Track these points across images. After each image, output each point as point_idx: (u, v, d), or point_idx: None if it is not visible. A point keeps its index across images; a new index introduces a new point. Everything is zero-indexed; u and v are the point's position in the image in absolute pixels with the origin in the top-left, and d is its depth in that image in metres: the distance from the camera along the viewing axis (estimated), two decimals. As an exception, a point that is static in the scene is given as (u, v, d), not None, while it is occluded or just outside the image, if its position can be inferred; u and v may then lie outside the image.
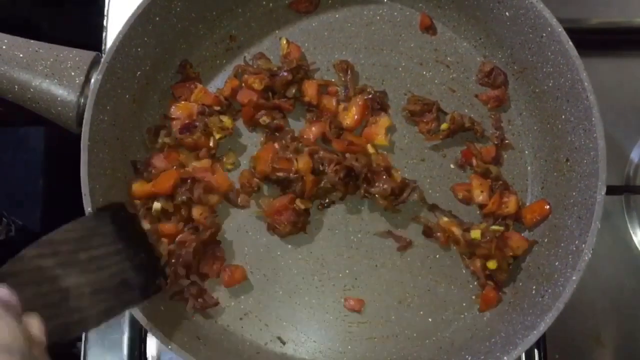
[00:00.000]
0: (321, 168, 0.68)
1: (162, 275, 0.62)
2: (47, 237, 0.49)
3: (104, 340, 0.73)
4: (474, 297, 0.68)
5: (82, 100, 0.66)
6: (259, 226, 0.70)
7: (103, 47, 0.82)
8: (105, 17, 0.83)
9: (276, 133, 0.72)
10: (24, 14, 1.33)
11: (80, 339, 0.74)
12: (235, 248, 0.70)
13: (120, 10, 0.82)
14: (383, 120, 0.72)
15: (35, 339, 0.41)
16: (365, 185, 0.68)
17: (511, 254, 0.67)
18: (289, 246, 0.70)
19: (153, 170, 0.69)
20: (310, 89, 0.72)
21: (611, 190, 0.75)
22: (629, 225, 0.77)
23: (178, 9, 0.70)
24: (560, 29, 0.63)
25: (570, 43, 0.63)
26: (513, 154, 0.72)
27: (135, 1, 0.66)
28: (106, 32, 0.82)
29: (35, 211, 1.28)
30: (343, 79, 0.74)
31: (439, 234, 0.69)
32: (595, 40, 0.82)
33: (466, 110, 0.73)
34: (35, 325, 0.42)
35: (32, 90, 0.66)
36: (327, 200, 0.71)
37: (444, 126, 0.71)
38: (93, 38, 0.83)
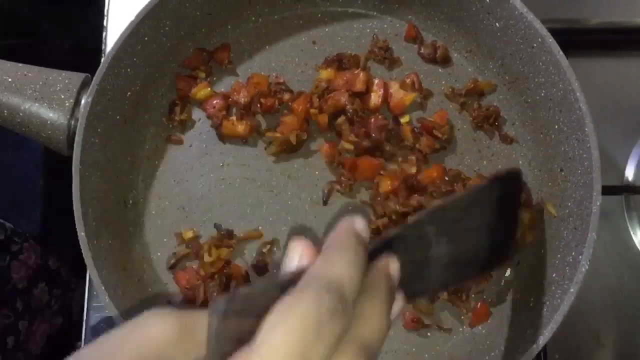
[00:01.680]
0: None
1: (509, 252, 0.57)
2: (437, 203, 0.46)
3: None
4: (464, 311, 0.68)
5: (73, 123, 0.65)
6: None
7: (103, 48, 0.82)
8: (105, 18, 0.83)
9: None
10: (24, 14, 1.33)
11: (80, 339, 0.73)
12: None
13: (120, 10, 0.82)
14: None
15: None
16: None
17: None
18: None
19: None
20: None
21: (611, 191, 0.76)
22: (628, 225, 0.77)
23: (167, 28, 0.70)
24: (551, 40, 0.63)
25: (562, 53, 0.63)
26: (507, 164, 0.72)
27: (135, 2, 0.66)
28: (106, 32, 0.82)
29: (35, 212, 1.29)
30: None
31: None
32: (595, 40, 0.82)
33: (459, 122, 0.73)
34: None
35: (21, 114, 0.65)
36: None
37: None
38: (93, 38, 0.83)
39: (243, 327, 0.33)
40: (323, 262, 0.35)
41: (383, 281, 0.38)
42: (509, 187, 0.55)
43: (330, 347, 0.32)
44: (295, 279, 0.35)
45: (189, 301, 0.68)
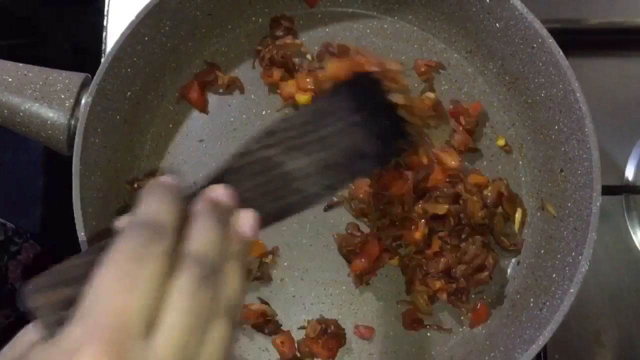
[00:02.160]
0: None
1: (404, 136, 0.55)
2: (268, 128, 0.47)
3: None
4: (464, 311, 0.68)
5: (73, 123, 0.65)
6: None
7: (103, 48, 0.82)
8: (105, 17, 0.83)
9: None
10: (24, 14, 1.33)
11: None
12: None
13: (120, 10, 0.82)
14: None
15: (239, 234, 0.40)
16: None
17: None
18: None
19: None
20: None
21: (610, 191, 0.76)
22: (628, 226, 0.77)
23: (167, 28, 0.70)
24: (551, 40, 0.63)
25: (562, 54, 0.63)
26: (506, 164, 0.72)
27: (135, 2, 0.65)
28: (106, 32, 0.82)
29: (35, 212, 1.28)
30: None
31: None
32: (595, 40, 0.82)
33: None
34: (245, 219, 0.41)
35: (21, 114, 0.65)
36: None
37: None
38: (93, 38, 0.83)
39: (64, 295, 0.34)
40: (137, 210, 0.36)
41: (208, 207, 0.39)
42: (368, 87, 0.54)
43: (159, 267, 0.33)
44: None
45: None
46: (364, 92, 0.53)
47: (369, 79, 0.55)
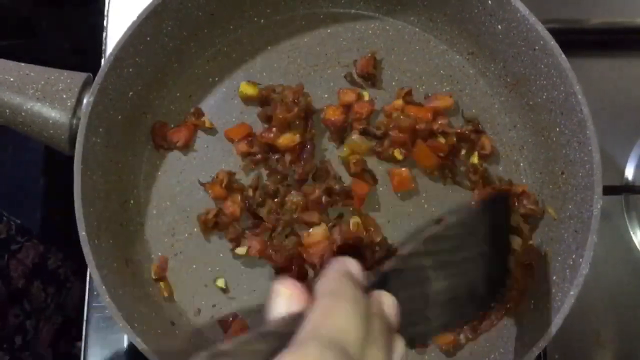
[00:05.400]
0: None
1: (503, 285, 0.55)
2: (429, 232, 0.44)
3: (104, 340, 0.73)
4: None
5: (75, 122, 0.65)
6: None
7: (103, 48, 0.82)
8: (105, 17, 0.83)
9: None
10: (24, 14, 1.33)
11: (80, 339, 0.73)
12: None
13: (120, 10, 0.82)
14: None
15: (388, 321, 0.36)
16: None
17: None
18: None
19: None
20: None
21: (611, 191, 0.76)
22: (628, 226, 0.77)
23: (169, 28, 0.70)
24: (553, 42, 0.63)
25: (563, 56, 0.63)
26: (507, 166, 0.72)
27: (135, 2, 0.65)
28: (106, 32, 0.82)
29: (35, 211, 1.29)
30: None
31: None
32: (595, 40, 0.82)
33: (460, 124, 0.73)
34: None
35: (23, 113, 0.65)
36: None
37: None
38: (93, 38, 0.83)
39: None
40: (322, 313, 0.32)
41: (377, 321, 0.35)
42: (498, 210, 0.52)
43: None
44: (284, 328, 0.32)
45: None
46: (497, 214, 0.51)
47: (504, 201, 0.54)
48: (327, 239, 0.66)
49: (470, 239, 0.47)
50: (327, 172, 0.70)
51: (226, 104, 0.75)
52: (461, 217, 0.48)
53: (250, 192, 0.70)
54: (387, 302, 0.37)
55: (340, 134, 0.72)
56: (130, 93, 0.69)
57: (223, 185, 0.69)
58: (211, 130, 0.74)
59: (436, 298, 0.43)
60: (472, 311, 0.51)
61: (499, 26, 0.68)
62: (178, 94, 0.74)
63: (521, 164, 0.72)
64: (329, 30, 0.76)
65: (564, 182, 0.65)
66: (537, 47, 0.65)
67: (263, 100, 0.73)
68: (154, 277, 0.69)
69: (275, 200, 0.69)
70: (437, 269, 0.43)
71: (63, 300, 1.07)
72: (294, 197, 0.69)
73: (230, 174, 0.71)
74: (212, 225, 0.69)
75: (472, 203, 0.64)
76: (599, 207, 0.59)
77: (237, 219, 0.69)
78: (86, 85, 0.66)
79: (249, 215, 0.69)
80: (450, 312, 0.45)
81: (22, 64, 0.67)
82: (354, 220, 0.68)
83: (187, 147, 0.73)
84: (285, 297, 0.34)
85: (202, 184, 0.71)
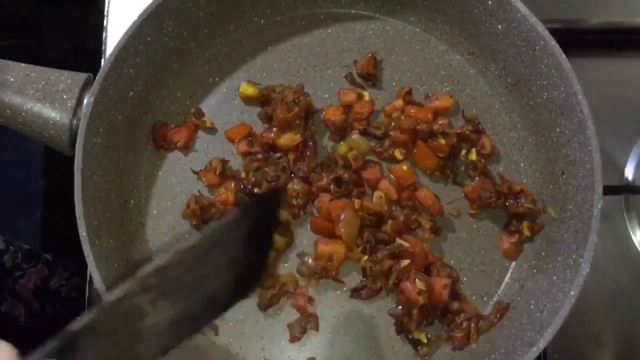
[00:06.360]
0: None
1: (258, 278, 0.52)
2: (151, 267, 0.42)
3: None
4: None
5: (75, 123, 0.65)
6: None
7: (103, 48, 0.82)
8: (105, 17, 0.83)
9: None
10: (24, 14, 1.33)
11: None
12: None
13: (120, 10, 0.82)
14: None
15: None
16: None
17: None
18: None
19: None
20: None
21: (610, 191, 0.76)
22: (628, 226, 0.77)
23: (169, 28, 0.70)
24: (553, 42, 0.63)
25: (564, 56, 0.63)
26: (508, 166, 0.72)
27: (135, 2, 0.65)
28: (106, 32, 0.82)
29: (35, 211, 1.28)
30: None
31: None
32: (595, 40, 0.82)
33: (460, 124, 0.73)
34: None
35: (23, 114, 0.65)
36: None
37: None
38: (93, 38, 0.83)
39: None
40: None
41: None
42: (265, 211, 0.51)
43: None
44: None
45: None
46: (263, 213, 0.50)
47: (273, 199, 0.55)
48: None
49: (215, 251, 0.46)
50: (335, 161, 0.70)
51: (226, 104, 0.75)
52: (206, 233, 0.47)
53: (243, 174, 0.70)
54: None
55: (340, 134, 0.72)
56: (131, 93, 0.69)
57: (217, 172, 0.70)
58: (211, 130, 0.74)
59: (156, 329, 0.42)
60: (206, 319, 0.50)
61: (500, 26, 0.68)
62: (178, 94, 0.74)
63: (521, 164, 0.72)
64: (329, 31, 0.76)
65: (565, 182, 0.65)
66: (537, 47, 0.65)
67: (263, 100, 0.73)
68: (154, 277, 0.69)
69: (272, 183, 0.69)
70: (159, 300, 0.42)
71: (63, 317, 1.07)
72: (296, 185, 0.69)
73: (224, 161, 0.71)
74: (198, 215, 0.69)
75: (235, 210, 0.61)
76: (599, 207, 0.59)
77: (230, 207, 0.69)
78: (86, 85, 0.66)
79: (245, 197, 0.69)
80: (177, 332, 0.44)
81: (23, 64, 0.67)
82: (378, 193, 0.69)
83: (187, 147, 0.73)
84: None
85: (195, 172, 0.71)
